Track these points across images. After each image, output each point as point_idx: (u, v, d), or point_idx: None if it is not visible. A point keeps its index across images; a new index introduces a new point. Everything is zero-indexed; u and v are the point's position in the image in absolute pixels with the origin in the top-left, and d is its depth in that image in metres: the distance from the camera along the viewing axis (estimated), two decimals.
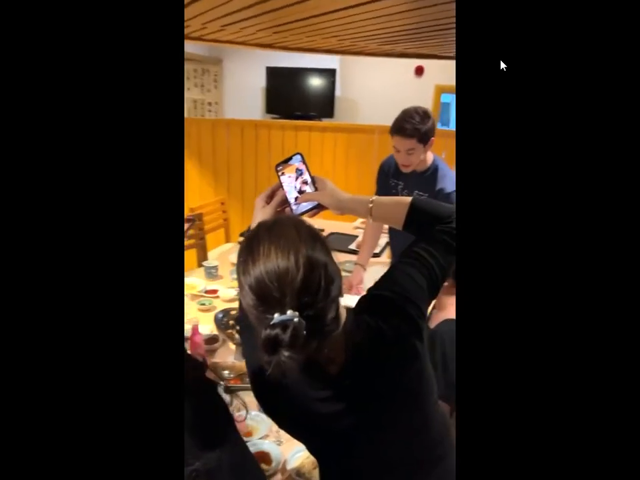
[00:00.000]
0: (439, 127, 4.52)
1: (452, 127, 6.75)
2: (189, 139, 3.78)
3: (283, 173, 0.83)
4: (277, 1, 1.29)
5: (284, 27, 1.99)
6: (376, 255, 2.23)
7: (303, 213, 0.81)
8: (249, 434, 1.05)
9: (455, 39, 0.61)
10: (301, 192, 0.81)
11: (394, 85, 4.66)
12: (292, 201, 0.81)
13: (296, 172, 0.82)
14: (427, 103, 4.77)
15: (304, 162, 0.82)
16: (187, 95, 5.32)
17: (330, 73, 4.76)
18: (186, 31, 2.45)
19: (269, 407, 0.72)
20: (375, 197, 0.78)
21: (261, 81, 5.03)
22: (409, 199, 0.76)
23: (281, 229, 0.59)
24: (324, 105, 4.84)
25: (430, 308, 1.40)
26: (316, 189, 0.81)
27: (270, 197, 0.81)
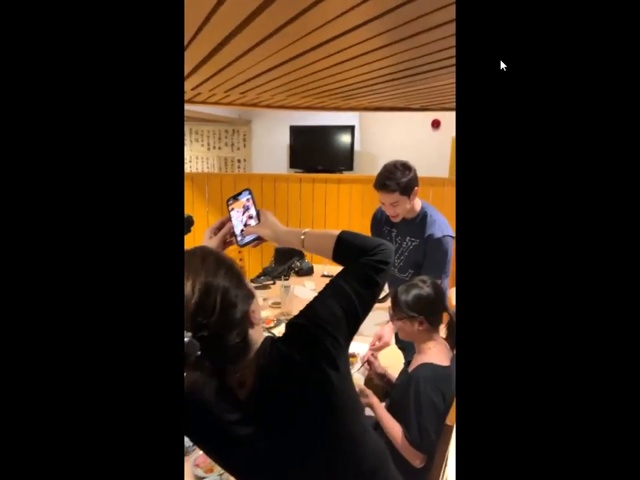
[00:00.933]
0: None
1: None
2: (212, 192, 4.02)
3: (232, 208, 0.91)
4: (285, 67, 1.40)
5: (297, 89, 2.18)
6: (380, 301, 2.23)
7: (246, 244, 0.87)
8: (210, 470, 1.05)
9: None
10: (246, 225, 0.88)
11: (412, 139, 4.81)
12: (238, 233, 0.88)
13: (243, 207, 0.89)
14: (445, 154, 4.87)
15: (252, 198, 0.90)
16: (218, 153, 5.73)
17: (349, 129, 5.00)
18: (211, 98, 2.73)
19: (191, 429, 0.73)
20: (307, 230, 0.83)
21: (285, 139, 5.35)
22: (338, 231, 0.80)
23: (189, 259, 0.64)
24: (344, 159, 5.04)
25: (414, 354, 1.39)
26: (259, 222, 0.88)
27: (218, 229, 0.89)
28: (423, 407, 1.12)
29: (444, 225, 1.79)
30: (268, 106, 3.71)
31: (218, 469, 1.05)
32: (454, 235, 1.76)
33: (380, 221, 1.96)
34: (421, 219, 1.80)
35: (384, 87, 1.97)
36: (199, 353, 0.58)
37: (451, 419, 1.12)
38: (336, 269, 2.20)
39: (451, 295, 3.22)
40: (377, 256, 0.75)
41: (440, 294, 1.35)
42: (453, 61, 1.23)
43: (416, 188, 1.73)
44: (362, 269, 0.74)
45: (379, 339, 1.78)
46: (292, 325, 0.74)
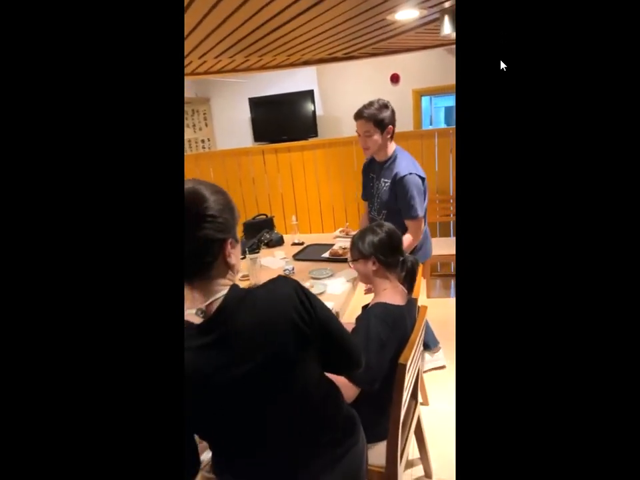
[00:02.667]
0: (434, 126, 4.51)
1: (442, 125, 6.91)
2: None
3: None
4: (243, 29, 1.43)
5: (252, 46, 2.17)
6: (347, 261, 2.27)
7: None
8: None
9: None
10: None
11: (372, 96, 4.74)
12: None
13: None
14: (407, 107, 4.83)
15: None
16: None
17: (309, 95, 4.91)
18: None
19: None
20: None
21: (246, 113, 5.24)
22: None
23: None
24: (308, 126, 4.97)
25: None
26: None
27: None
28: (370, 339, 1.17)
29: (411, 164, 1.93)
30: (228, 71, 3.61)
31: None
32: (423, 174, 1.92)
33: (367, 169, 2.17)
34: (392, 161, 1.97)
35: (336, 36, 1.96)
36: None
37: (404, 356, 1.15)
38: (305, 236, 2.21)
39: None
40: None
41: (394, 238, 1.39)
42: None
43: (390, 127, 1.90)
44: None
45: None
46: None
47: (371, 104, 1.90)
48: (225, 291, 0.75)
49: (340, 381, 1.08)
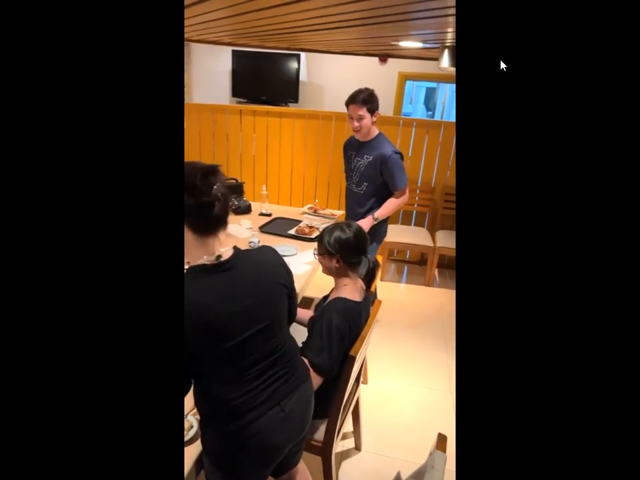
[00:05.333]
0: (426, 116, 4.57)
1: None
2: None
3: None
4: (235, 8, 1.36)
5: (242, 31, 2.09)
6: (313, 240, 2.34)
7: None
8: None
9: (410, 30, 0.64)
10: None
11: (359, 72, 4.69)
12: None
13: None
14: (391, 88, 4.83)
15: None
16: None
17: (295, 57, 4.77)
18: None
19: None
20: None
21: (228, 64, 5.02)
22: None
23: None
24: (289, 90, 4.86)
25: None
26: None
27: None
28: (327, 331, 1.29)
29: (391, 145, 2.31)
30: (214, 42, 3.43)
31: None
32: (400, 152, 2.30)
33: (346, 147, 2.50)
34: (375, 141, 2.32)
35: (333, 32, 1.92)
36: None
37: (354, 349, 1.27)
38: (273, 207, 2.26)
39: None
40: None
41: (360, 239, 1.46)
42: (406, 14, 1.23)
43: (377, 112, 2.25)
44: None
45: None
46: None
47: (360, 91, 2.20)
48: (231, 245, 1.00)
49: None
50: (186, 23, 1.91)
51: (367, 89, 2.21)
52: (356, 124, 2.23)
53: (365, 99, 2.17)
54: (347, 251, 1.42)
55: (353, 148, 2.40)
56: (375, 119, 2.26)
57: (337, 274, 1.45)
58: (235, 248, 1.00)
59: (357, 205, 2.41)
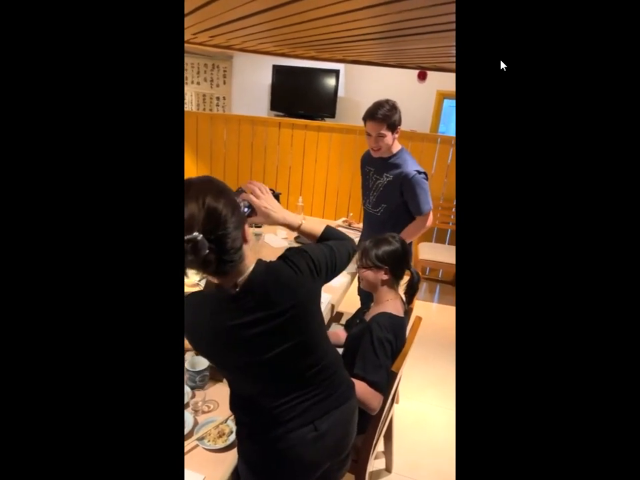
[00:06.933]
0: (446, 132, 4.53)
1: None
2: (188, 132, 3.91)
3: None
4: (277, 12, 1.36)
5: (282, 37, 2.10)
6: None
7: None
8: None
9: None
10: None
11: (397, 88, 4.71)
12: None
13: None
14: (428, 107, 4.82)
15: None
16: (196, 89, 5.47)
17: (334, 74, 4.84)
18: (196, 39, 2.57)
19: (192, 331, 0.91)
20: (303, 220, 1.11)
21: (267, 78, 5.14)
22: (324, 225, 1.12)
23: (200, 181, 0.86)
24: (326, 105, 4.92)
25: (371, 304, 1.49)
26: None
27: None
28: (380, 346, 1.24)
29: (415, 163, 1.99)
30: (255, 51, 3.52)
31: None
32: (424, 171, 1.99)
33: (364, 162, 2.18)
34: (397, 158, 1.99)
35: (373, 44, 1.92)
36: (207, 251, 0.77)
37: (396, 366, 1.23)
38: (308, 219, 2.28)
39: (418, 249, 3.34)
40: (351, 242, 1.11)
41: (406, 251, 1.43)
42: (449, 24, 1.22)
43: (399, 127, 1.92)
44: (343, 243, 1.08)
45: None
46: (290, 248, 0.98)
47: (381, 105, 1.86)
48: (251, 267, 0.90)
49: (362, 389, 1.17)
50: (230, 30, 1.93)
51: (387, 101, 1.87)
52: (375, 143, 1.91)
53: (385, 114, 1.84)
54: (395, 264, 1.39)
55: (372, 164, 2.08)
56: (396, 136, 1.93)
57: (381, 287, 1.41)
58: (256, 265, 0.91)
59: (373, 230, 2.09)
